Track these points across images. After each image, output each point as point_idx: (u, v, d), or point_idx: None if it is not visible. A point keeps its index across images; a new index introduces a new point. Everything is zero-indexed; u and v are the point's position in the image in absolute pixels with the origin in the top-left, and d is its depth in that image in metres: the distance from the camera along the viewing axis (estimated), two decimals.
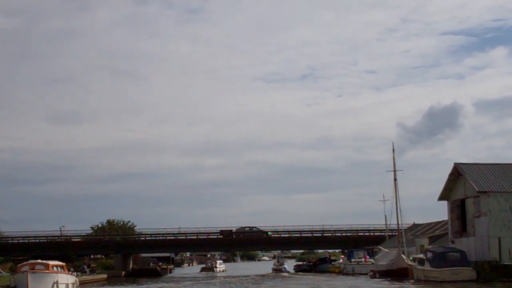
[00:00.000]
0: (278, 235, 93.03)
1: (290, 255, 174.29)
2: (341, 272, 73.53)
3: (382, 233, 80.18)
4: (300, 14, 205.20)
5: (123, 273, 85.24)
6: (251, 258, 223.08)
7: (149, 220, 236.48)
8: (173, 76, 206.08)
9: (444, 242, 55.65)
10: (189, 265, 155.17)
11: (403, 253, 56.46)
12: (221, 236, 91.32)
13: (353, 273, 68.29)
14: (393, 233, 71.46)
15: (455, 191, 52.61)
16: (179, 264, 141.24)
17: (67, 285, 46.31)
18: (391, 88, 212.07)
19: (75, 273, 55.13)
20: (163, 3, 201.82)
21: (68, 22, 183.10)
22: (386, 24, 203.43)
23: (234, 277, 74.08)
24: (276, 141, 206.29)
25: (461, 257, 47.39)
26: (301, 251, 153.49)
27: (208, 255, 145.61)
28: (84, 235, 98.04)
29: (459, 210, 52.14)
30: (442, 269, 46.30)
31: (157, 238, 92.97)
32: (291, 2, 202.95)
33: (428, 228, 67.87)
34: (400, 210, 57.33)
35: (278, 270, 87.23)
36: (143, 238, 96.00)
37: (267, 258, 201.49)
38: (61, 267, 47.38)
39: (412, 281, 50.43)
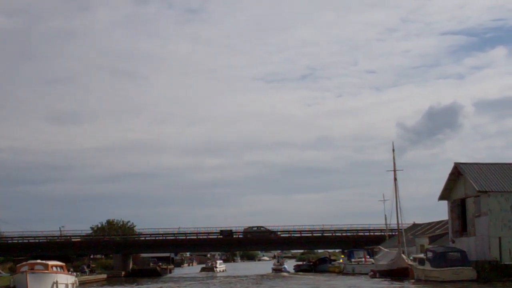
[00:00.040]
0: (278, 235, 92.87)
1: (290, 255, 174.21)
2: (341, 272, 73.44)
3: (382, 233, 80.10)
4: (300, 14, 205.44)
5: (123, 273, 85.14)
6: (251, 258, 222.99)
7: (149, 220, 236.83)
8: (173, 76, 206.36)
9: (444, 242, 55.57)
10: (189, 265, 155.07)
11: (403, 253, 56.32)
12: (221, 236, 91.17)
13: (353, 273, 68.18)
14: (393, 233, 71.36)
15: (456, 190, 52.53)
16: (179, 264, 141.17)
17: (66, 285, 46.24)
18: (391, 88, 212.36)
19: (74, 273, 55.04)
20: (163, 3, 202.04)
21: (68, 22, 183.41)
22: (386, 24, 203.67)
23: (234, 277, 73.98)
24: (276, 141, 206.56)
25: (461, 257, 47.27)
26: (301, 251, 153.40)
27: (208, 255, 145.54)
28: (83, 235, 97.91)
29: (459, 209, 52.05)
30: (443, 269, 46.17)
31: (157, 238, 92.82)
32: (291, 2, 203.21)
33: (428, 228, 67.80)
34: (400, 210, 57.26)
35: (278, 270, 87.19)
36: (143, 238, 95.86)
37: (267, 258, 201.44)
38: (61, 267, 47.32)
39: (413, 281, 50.31)
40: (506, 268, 45.25)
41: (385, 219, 70.60)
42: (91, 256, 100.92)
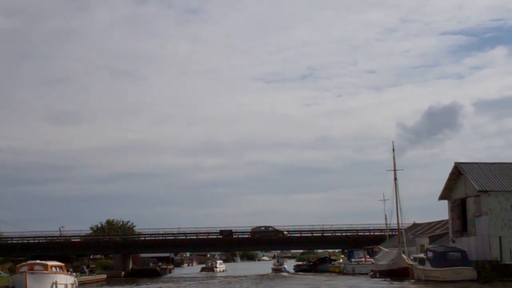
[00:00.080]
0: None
1: (290, 255, 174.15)
2: (341, 272, 73.33)
3: (382, 233, 80.00)
4: (300, 14, 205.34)
5: (123, 273, 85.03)
6: (251, 258, 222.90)
7: (149, 220, 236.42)
8: (173, 76, 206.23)
9: (444, 241, 55.46)
10: (188, 265, 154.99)
11: (403, 252, 56.21)
12: (221, 236, 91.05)
13: (353, 273, 68.05)
14: (393, 233, 71.24)
15: (456, 190, 52.43)
16: (178, 264, 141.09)
17: (66, 285, 46.11)
18: (390, 88, 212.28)
19: (74, 274, 54.93)
20: (163, 3, 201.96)
21: (68, 22, 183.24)
22: (385, 24, 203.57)
23: (234, 277, 73.86)
24: (276, 141, 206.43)
25: (461, 256, 47.17)
26: (301, 251, 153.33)
27: (208, 255, 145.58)
28: (83, 236, 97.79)
29: (459, 209, 51.95)
30: (443, 268, 46.07)
31: (157, 238, 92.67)
32: (291, 2, 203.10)
33: (428, 228, 67.69)
34: (401, 210, 57.14)
35: (277, 270, 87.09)
36: (143, 238, 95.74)
37: (267, 258, 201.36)
38: (60, 267, 47.19)
39: (413, 281, 50.22)
40: (506, 268, 45.16)
41: (385, 219, 70.62)
42: (91, 256, 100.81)
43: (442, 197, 53.77)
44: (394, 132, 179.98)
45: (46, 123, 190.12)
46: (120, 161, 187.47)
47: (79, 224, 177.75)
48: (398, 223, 58.20)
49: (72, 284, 48.51)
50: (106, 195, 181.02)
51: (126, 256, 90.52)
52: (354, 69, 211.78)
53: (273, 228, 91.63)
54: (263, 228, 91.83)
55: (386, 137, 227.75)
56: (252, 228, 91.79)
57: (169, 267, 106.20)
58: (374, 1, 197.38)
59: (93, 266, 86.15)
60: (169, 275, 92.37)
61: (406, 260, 54.15)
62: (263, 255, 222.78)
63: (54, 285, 43.57)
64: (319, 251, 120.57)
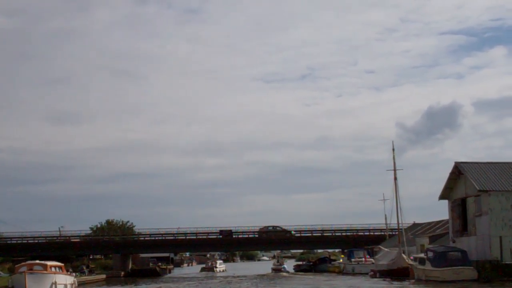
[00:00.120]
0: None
1: (289, 255, 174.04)
2: (341, 272, 73.19)
3: (382, 233, 79.91)
4: (300, 14, 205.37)
5: (122, 273, 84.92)
6: (251, 258, 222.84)
7: (149, 220, 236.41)
8: (173, 76, 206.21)
9: (444, 241, 55.36)
10: (188, 265, 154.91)
11: (403, 252, 56.12)
12: (221, 236, 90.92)
13: (353, 273, 67.93)
14: (393, 233, 71.15)
15: (456, 190, 52.34)
16: (178, 264, 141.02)
17: (65, 285, 46.06)
18: (390, 88, 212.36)
19: (73, 274, 54.82)
20: (163, 3, 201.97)
21: (68, 22, 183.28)
22: (385, 24, 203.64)
23: (234, 277, 73.75)
24: (275, 141, 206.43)
25: (462, 256, 47.07)
26: (301, 251, 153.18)
27: (208, 255, 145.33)
28: (83, 236, 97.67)
29: (460, 209, 51.85)
30: (443, 268, 45.96)
31: (156, 238, 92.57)
32: (291, 2, 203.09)
33: (428, 228, 67.58)
34: (401, 210, 57.05)
35: (277, 270, 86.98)
36: (142, 238, 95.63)
37: (267, 258, 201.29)
38: (59, 267, 47.11)
39: (413, 280, 50.13)
40: (507, 267, 45.07)
41: (385, 218, 70.54)
42: (91, 257, 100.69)
43: (442, 196, 53.66)
44: (394, 132, 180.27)
45: (46, 123, 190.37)
46: (120, 161, 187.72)
47: (79, 224, 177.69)
48: (398, 223, 58.12)
49: (72, 284, 48.42)
50: (106, 195, 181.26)
51: (125, 256, 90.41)
52: (354, 69, 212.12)
53: (281, 228, 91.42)
54: (270, 228, 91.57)
55: (386, 137, 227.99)
56: (260, 228, 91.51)
57: (168, 267, 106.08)
58: (374, 1, 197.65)
59: (92, 266, 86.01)
60: (168, 275, 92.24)
61: (406, 260, 54.05)
62: (263, 255, 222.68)
63: (53, 285, 43.51)
64: (319, 251, 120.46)
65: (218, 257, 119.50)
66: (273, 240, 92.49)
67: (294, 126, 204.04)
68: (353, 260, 72.80)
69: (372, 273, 61.67)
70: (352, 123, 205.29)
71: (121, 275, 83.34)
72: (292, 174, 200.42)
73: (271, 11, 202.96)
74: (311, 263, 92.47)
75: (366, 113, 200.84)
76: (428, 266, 47.90)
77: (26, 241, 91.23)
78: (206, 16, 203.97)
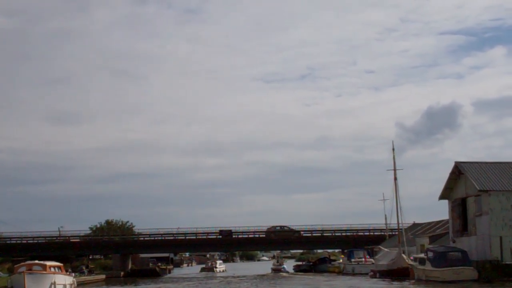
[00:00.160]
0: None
1: (289, 255, 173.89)
2: (341, 272, 73.11)
3: (382, 233, 79.81)
4: (300, 14, 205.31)
5: (122, 273, 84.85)
6: (251, 258, 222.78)
7: (149, 220, 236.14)
8: (173, 76, 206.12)
9: (444, 241, 55.25)
10: (188, 265, 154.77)
11: (403, 252, 56.02)
12: (220, 236, 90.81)
13: (353, 273, 67.83)
14: (393, 233, 71.06)
15: (456, 190, 52.24)
16: (178, 265, 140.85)
17: (64, 286, 45.92)
18: (390, 88, 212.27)
19: (72, 274, 54.69)
20: (162, 3, 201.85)
21: (67, 22, 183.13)
22: (385, 24, 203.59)
23: (234, 277, 73.65)
24: (275, 141, 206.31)
25: (462, 256, 46.96)
26: (301, 251, 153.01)
27: (207, 255, 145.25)
28: (82, 236, 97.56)
29: (460, 209, 51.75)
30: (443, 268, 45.85)
31: (156, 238, 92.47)
32: (291, 2, 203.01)
33: (428, 228, 67.47)
34: (401, 209, 56.94)
35: (277, 270, 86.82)
36: (142, 239, 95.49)
37: (267, 258, 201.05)
38: (59, 267, 46.97)
39: (413, 281, 50.02)
40: (507, 267, 44.95)
41: (385, 218, 70.43)
42: (90, 257, 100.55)
43: (442, 196, 53.57)
44: (394, 132, 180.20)
45: (46, 123, 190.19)
46: (120, 161, 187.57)
47: (79, 224, 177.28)
48: (398, 223, 58.00)
49: (71, 285, 48.30)
50: (106, 195, 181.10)
51: (125, 256, 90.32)
52: (354, 69, 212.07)
53: (289, 227, 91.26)
54: (278, 228, 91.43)
55: (386, 137, 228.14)
56: (268, 228, 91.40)
57: (168, 267, 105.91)
58: (374, 1, 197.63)
59: (92, 266, 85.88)
60: (168, 275, 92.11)
61: (406, 260, 53.96)
62: (263, 255, 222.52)
63: (52, 285, 43.35)
64: (319, 251, 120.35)
65: (218, 257, 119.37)
66: (273, 240, 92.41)
67: (294, 126, 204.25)
68: (353, 260, 72.67)
69: (372, 273, 61.57)
70: (352, 123, 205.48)
71: (121, 275, 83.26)
72: (292, 174, 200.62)
73: (271, 11, 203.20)
74: (311, 263, 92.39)
75: (365, 113, 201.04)
76: (428, 266, 47.79)
77: (25, 241, 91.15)
78: (206, 16, 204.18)
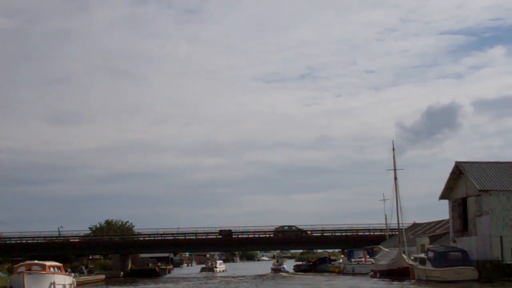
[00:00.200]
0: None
1: (289, 255, 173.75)
2: (341, 272, 73.00)
3: (382, 233, 79.71)
4: (299, 14, 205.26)
5: (122, 273, 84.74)
6: (250, 258, 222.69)
7: (149, 220, 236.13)
8: (173, 76, 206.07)
9: (444, 241, 55.15)
10: (188, 265, 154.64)
11: (403, 252, 55.93)
12: (220, 236, 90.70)
13: (353, 273, 67.73)
14: (393, 233, 70.95)
15: (456, 189, 52.14)
16: (178, 264, 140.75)
17: (64, 286, 45.86)
18: (389, 88, 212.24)
19: (72, 274, 54.58)
20: (162, 3, 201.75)
21: (67, 22, 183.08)
22: (385, 24, 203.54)
23: (234, 277, 73.55)
24: (275, 141, 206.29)
25: (462, 256, 46.88)
26: (301, 251, 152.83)
27: (207, 255, 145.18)
28: (82, 236, 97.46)
29: (460, 209, 51.66)
30: (444, 268, 45.78)
31: (156, 238, 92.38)
32: (291, 2, 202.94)
33: (428, 228, 67.39)
34: (401, 209, 56.84)
35: (277, 270, 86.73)
36: (142, 238, 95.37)
37: (266, 258, 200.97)
38: (58, 267, 46.88)
39: (413, 281, 49.94)
40: (507, 267, 44.89)
41: (385, 218, 70.35)
42: (90, 257, 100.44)
43: (442, 196, 53.47)
44: (394, 132, 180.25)
45: (46, 123, 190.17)
46: (120, 161, 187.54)
47: (79, 224, 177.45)
48: (398, 223, 57.90)
49: (70, 285, 48.25)
50: (106, 195, 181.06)
51: (125, 256, 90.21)
52: (354, 69, 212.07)
53: (297, 227, 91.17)
54: (286, 227, 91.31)
55: (386, 137, 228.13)
56: (276, 228, 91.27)
57: (168, 267, 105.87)
58: (374, 1, 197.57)
59: (91, 266, 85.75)
60: (168, 275, 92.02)
61: (407, 260, 53.87)
62: (263, 255, 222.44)
63: (52, 286, 43.28)
64: (319, 251, 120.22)
65: (217, 257, 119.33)
66: (273, 240, 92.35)
67: (294, 126, 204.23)
68: (353, 260, 72.60)
69: (372, 273, 61.47)
70: (352, 123, 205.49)
71: (121, 275, 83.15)
72: (292, 174, 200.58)
73: (271, 11, 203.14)
74: (311, 263, 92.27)
75: (365, 113, 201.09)
76: (428, 266, 47.70)
77: (25, 241, 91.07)
78: (206, 16, 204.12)
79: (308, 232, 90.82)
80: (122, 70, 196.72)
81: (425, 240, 61.41)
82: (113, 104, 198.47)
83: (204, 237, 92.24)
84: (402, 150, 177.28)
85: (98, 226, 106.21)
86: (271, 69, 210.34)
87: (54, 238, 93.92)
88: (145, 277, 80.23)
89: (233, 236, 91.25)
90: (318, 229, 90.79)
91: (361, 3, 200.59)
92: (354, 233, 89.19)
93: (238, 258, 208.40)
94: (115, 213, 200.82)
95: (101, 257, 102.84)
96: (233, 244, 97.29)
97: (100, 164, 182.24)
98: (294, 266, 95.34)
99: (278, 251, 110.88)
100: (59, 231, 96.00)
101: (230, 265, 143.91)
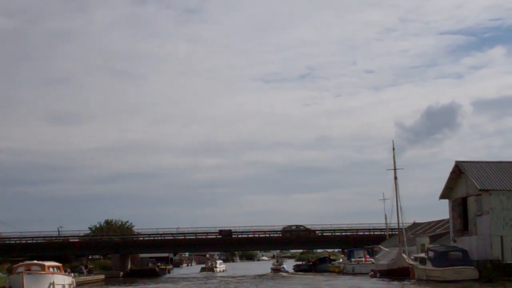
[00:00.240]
0: (278, 235, 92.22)
1: (289, 254, 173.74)
2: (341, 272, 72.88)
3: (382, 232, 79.63)
4: (299, 14, 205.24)
5: (121, 273, 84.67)
6: (250, 258, 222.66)
7: (149, 220, 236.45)
8: (172, 76, 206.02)
9: (444, 241, 55.08)
10: (188, 265, 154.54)
11: (403, 252, 55.83)
12: (220, 236, 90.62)
13: (353, 273, 67.60)
14: (394, 232, 70.87)
15: (457, 189, 52.06)
16: (177, 264, 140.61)
17: (63, 286, 45.85)
18: (389, 88, 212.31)
19: (72, 274, 54.49)
20: (162, 3, 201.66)
21: (67, 22, 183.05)
22: (384, 24, 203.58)
23: (233, 277, 73.47)
24: (275, 141, 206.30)
25: (463, 256, 46.81)
26: (301, 250, 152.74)
27: (207, 255, 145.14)
28: (82, 236, 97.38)
29: (460, 208, 51.59)
30: (444, 268, 45.70)
31: (156, 238, 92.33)
32: (290, 2, 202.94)
33: (428, 227, 67.33)
34: (401, 209, 56.74)
35: (277, 270, 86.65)
36: (141, 238, 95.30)
37: (266, 258, 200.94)
38: (58, 267, 46.80)
39: (413, 280, 49.85)
40: (508, 267, 44.79)
41: (385, 218, 70.25)
42: (89, 257, 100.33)
43: (442, 196, 53.38)
44: (393, 132, 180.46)
45: (46, 124, 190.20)
46: (120, 161, 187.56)
47: (78, 224, 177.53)
48: (398, 223, 57.82)
49: (70, 285, 48.22)
50: (106, 195, 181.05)
51: (125, 256, 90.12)
52: (353, 69, 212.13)
53: (304, 227, 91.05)
54: (294, 227, 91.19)
55: (385, 136, 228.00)
56: (283, 228, 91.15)
57: (168, 267, 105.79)
58: (374, 1, 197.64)
59: (91, 266, 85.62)
60: (168, 275, 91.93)
61: (407, 260, 53.77)
62: (263, 255, 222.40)
63: (51, 286, 43.27)
64: (319, 251, 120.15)
65: (217, 257, 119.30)
66: (273, 240, 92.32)
67: (293, 126, 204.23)
68: (353, 260, 72.53)
69: (372, 273, 61.37)
70: (352, 123, 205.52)
71: (120, 275, 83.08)
72: (291, 174, 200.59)
73: (270, 11, 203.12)
74: (311, 263, 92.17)
75: (365, 113, 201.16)
76: (429, 265, 47.62)
77: (25, 241, 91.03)
78: (205, 16, 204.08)
79: (317, 232, 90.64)
80: (122, 70, 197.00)
81: (425, 240, 61.30)
82: (113, 104, 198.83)
83: (204, 237, 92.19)
84: (402, 150, 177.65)
85: (97, 226, 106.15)
86: (270, 69, 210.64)
87: (54, 238, 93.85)
88: (144, 277, 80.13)
89: (233, 236, 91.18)
90: (318, 229, 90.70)
91: (361, 3, 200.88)
92: (354, 233, 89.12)
93: (238, 258, 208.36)
94: (115, 213, 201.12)
95: (101, 257, 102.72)
96: (233, 244, 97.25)
97: (100, 164, 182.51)
98: (294, 266, 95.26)
99: (278, 251, 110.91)
100: (58, 231, 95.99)
101: (230, 265, 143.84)
